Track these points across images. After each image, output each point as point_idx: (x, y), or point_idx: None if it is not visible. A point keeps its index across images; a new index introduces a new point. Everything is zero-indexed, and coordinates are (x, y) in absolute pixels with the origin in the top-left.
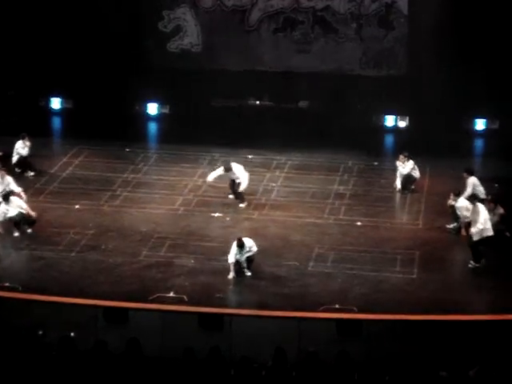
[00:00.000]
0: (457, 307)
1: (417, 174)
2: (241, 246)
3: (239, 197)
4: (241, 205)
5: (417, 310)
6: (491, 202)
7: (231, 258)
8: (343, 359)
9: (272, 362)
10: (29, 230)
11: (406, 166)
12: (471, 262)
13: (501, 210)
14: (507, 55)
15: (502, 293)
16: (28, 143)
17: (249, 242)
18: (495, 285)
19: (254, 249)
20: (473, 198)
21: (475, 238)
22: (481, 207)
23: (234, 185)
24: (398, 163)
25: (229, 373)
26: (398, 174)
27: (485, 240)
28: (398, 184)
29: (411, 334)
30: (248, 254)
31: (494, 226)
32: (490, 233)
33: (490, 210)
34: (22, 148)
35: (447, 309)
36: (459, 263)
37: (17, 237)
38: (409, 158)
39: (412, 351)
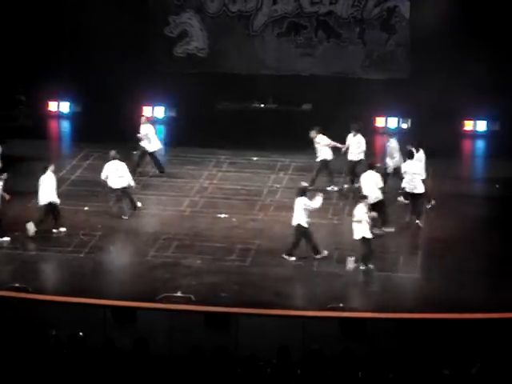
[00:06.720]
0: (459, 306)
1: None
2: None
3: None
4: None
5: (419, 309)
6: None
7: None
8: (347, 357)
9: (277, 360)
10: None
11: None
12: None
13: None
14: (509, 57)
15: (504, 291)
16: None
17: None
18: (497, 283)
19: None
20: None
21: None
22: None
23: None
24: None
25: (235, 371)
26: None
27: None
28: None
29: (414, 332)
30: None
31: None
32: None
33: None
34: None
35: (449, 307)
36: (462, 262)
37: (28, 238)
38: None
39: (415, 349)
